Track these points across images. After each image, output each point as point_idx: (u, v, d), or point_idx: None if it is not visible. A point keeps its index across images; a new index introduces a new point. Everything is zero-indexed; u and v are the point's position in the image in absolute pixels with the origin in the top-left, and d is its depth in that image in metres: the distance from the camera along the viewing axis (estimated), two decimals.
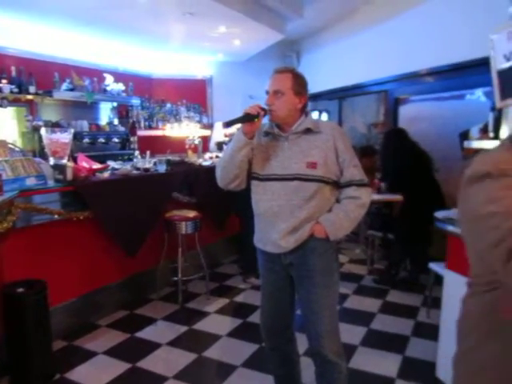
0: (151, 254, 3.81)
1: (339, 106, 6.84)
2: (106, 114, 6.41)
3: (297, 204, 1.89)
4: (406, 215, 4.05)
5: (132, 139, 6.18)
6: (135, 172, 3.58)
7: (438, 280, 3.26)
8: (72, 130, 3.14)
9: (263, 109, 1.87)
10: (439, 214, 2.58)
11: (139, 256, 3.60)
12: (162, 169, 3.76)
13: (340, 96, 6.62)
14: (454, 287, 2.51)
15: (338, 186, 1.98)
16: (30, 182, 2.77)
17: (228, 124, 1.86)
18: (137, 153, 3.88)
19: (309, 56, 7.12)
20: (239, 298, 3.92)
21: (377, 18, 5.25)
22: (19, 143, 5.13)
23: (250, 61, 7.09)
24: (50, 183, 2.93)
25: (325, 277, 1.96)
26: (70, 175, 2.94)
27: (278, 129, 1.99)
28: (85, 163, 3.36)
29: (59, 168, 2.94)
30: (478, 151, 3.76)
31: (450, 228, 2.45)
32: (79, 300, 3.28)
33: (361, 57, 5.59)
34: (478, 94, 4.35)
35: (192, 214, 3.69)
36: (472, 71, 3.99)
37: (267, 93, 1.93)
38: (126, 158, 5.75)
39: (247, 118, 1.83)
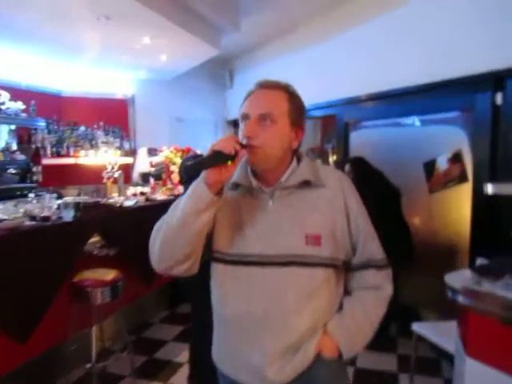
0: (55, 328, 2.80)
1: None
2: (3, 138, 5.20)
3: (293, 306, 1.14)
4: None
5: (35, 169, 5.03)
6: (28, 223, 2.56)
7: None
8: None
9: (242, 145, 1.11)
10: (452, 280, 1.92)
11: (37, 333, 2.58)
12: (69, 216, 2.76)
13: None
14: (479, 379, 1.86)
15: (346, 267, 1.26)
16: None
17: (189, 169, 1.05)
18: (31, 196, 2.83)
19: (243, 75, 6.44)
20: (176, 380, 3.00)
21: (319, 36, 4.71)
22: None
23: (177, 80, 6.28)
24: None
25: None
26: None
27: (255, 179, 1.22)
28: None
29: None
30: (449, 182, 3.25)
31: (471, 303, 1.80)
32: None
33: (303, 77, 4.99)
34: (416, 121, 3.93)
35: (110, 275, 2.74)
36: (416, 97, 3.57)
37: (244, 118, 1.18)
38: (25, 192, 4.63)
39: (217, 160, 1.07)
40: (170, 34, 4.19)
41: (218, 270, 1.22)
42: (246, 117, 1.18)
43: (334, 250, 1.18)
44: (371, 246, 1.25)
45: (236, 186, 1.24)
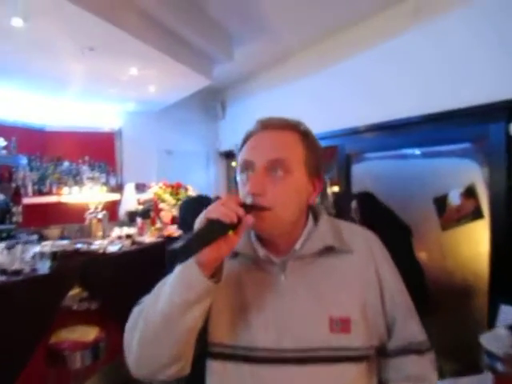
0: None
1: None
2: None
3: None
4: None
5: (15, 209, 4.76)
6: None
7: None
8: None
9: (246, 206, 0.85)
10: (489, 343, 1.67)
11: None
12: (45, 267, 2.50)
13: None
14: None
15: (379, 353, 1.00)
16: None
17: (178, 255, 0.77)
18: (1, 245, 2.54)
19: (236, 107, 6.30)
20: None
21: (316, 64, 4.59)
22: None
23: (167, 111, 6.11)
24: None
25: None
26: None
27: (262, 247, 0.98)
28: None
29: None
30: (462, 218, 3.06)
31: None
32: None
33: (300, 107, 4.85)
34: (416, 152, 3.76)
35: (91, 334, 2.47)
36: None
37: (246, 167, 0.94)
38: (4, 235, 4.36)
39: (215, 233, 0.80)
40: (159, 65, 4.03)
41: (214, 369, 0.95)
42: (248, 166, 0.94)
43: (366, 336, 0.93)
44: (411, 325, 1.01)
45: (236, 253, 0.99)
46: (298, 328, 0.92)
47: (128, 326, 0.93)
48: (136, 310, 0.93)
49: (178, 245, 0.75)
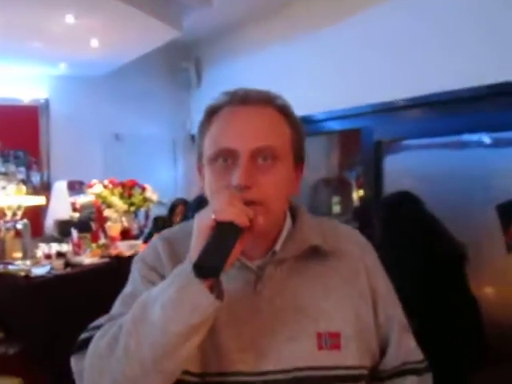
0: None
1: None
2: None
3: None
4: None
5: None
6: None
7: None
8: None
9: (247, 203, 0.98)
10: None
11: None
12: None
13: None
14: None
15: (371, 377, 1.17)
16: None
17: (205, 268, 0.90)
18: None
19: (216, 69, 6.46)
20: None
21: (331, 13, 4.72)
22: None
23: (115, 77, 6.26)
24: None
25: None
26: None
27: None
28: None
29: None
30: None
31: None
32: None
33: (309, 73, 4.99)
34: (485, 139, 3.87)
35: None
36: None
37: (224, 156, 1.06)
38: None
39: (232, 240, 0.93)
40: (105, 9, 4.17)
41: None
42: (228, 154, 1.04)
43: (358, 353, 1.08)
44: (407, 343, 1.19)
45: None
46: (280, 346, 1.05)
47: (91, 360, 0.98)
48: (97, 345, 0.98)
49: (197, 261, 0.88)
